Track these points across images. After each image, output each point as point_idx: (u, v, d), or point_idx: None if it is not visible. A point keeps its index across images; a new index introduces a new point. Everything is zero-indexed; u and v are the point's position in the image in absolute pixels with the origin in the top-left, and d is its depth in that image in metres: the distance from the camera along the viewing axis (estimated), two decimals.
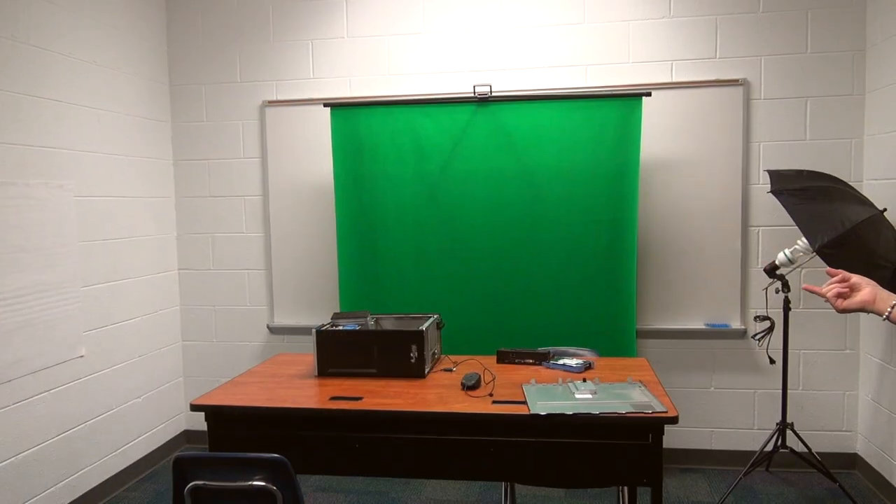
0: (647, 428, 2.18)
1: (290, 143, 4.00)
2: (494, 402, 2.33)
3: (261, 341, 4.15)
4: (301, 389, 2.53)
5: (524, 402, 2.31)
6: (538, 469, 2.24)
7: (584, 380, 2.53)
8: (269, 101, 4.00)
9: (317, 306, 4.02)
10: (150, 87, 3.96)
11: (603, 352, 3.24)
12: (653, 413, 2.18)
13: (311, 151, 3.96)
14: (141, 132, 3.88)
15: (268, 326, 4.12)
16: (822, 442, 3.65)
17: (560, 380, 2.55)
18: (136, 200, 3.84)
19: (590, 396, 2.34)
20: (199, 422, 4.21)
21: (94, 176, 3.50)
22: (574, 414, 2.18)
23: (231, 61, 4.05)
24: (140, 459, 3.84)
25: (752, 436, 3.75)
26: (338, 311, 3.78)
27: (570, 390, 2.42)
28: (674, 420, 2.17)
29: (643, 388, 2.45)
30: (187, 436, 4.27)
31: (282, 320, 4.10)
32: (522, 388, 2.48)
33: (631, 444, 2.19)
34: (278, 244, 4.06)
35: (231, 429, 2.37)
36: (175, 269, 4.20)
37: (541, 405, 2.26)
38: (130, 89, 3.80)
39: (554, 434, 2.23)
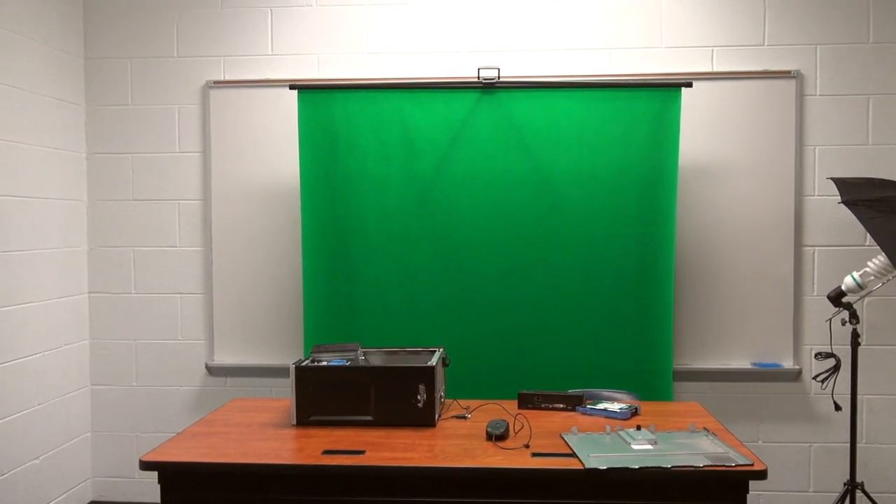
0: (730, 485, 2.18)
1: (242, 134, 3.91)
2: (534, 454, 2.29)
3: (196, 385, 4.00)
4: (281, 441, 2.44)
5: (572, 455, 2.27)
6: None
7: (639, 427, 2.48)
8: (215, 82, 3.92)
9: (273, 341, 3.91)
10: (58, 59, 3.82)
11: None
12: (736, 466, 2.16)
13: (270, 145, 3.88)
14: (46, 116, 3.73)
15: (206, 366, 3.99)
16: None
17: (607, 427, 2.50)
18: (37, 203, 3.66)
19: (650, 447, 2.32)
20: (109, 490, 4.04)
21: None
22: (640, 468, 2.15)
23: (166, 30, 3.95)
24: None
25: (807, 500, 3.76)
26: (303, 345, 3.66)
27: (623, 440, 2.39)
28: (762, 475, 2.16)
29: (713, 436, 2.42)
30: None
31: (225, 358, 3.97)
32: (563, 437, 2.44)
33: None
34: (222, 261, 3.95)
35: (192, 492, 2.26)
36: (85, 293, 4.03)
37: (594, 458, 2.21)
38: (34, 61, 3.64)
39: (609, 495, 2.20)
